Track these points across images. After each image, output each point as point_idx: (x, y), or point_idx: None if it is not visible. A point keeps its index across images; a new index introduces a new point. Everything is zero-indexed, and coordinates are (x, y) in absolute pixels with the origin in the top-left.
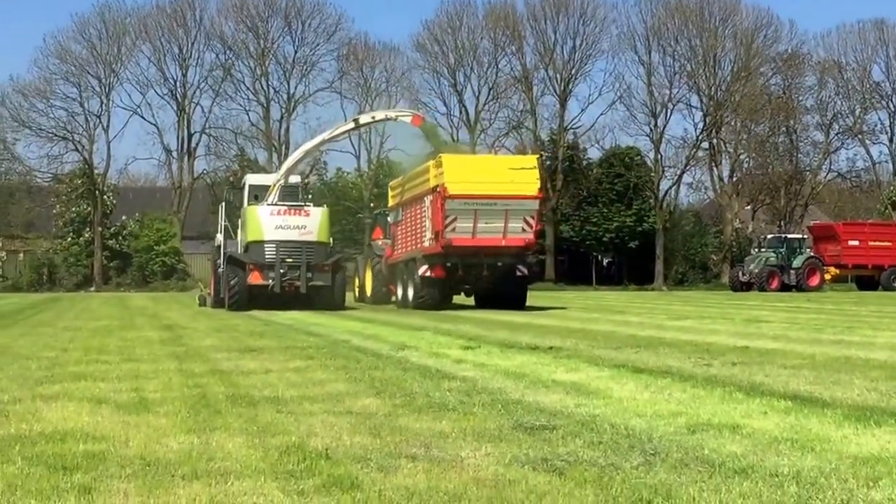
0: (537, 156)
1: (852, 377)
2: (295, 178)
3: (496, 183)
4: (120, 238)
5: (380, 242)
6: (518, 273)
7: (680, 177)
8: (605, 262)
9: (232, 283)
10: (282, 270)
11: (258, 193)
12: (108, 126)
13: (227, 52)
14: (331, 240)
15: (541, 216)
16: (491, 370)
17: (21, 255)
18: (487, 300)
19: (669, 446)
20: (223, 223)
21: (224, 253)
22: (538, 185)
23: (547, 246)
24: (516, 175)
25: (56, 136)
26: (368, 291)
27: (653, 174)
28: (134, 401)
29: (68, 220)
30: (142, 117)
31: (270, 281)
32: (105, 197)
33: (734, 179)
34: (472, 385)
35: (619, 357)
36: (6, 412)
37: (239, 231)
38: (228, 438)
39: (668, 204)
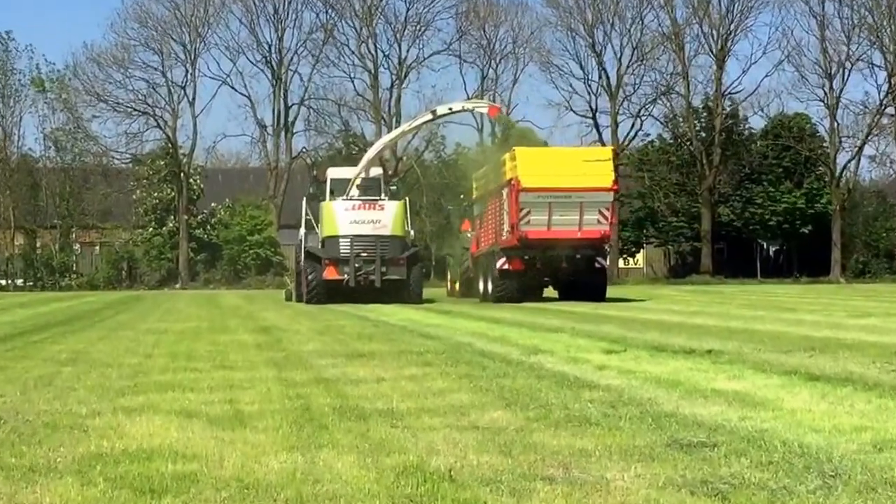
0: (612, 147)
1: None
2: (376, 171)
3: (570, 175)
4: (208, 227)
5: (468, 234)
6: (597, 265)
7: (861, 148)
8: (772, 250)
9: (310, 278)
10: (357, 265)
11: (339, 187)
12: (193, 99)
13: (329, 11)
14: (410, 232)
15: (616, 208)
16: (639, 378)
17: (97, 247)
18: (569, 292)
19: (852, 467)
20: (305, 217)
21: (304, 248)
22: (612, 176)
23: (703, 232)
24: (590, 167)
25: (135, 110)
26: (456, 285)
27: (827, 146)
28: (228, 414)
29: (150, 207)
30: (232, 88)
31: (346, 276)
32: (191, 180)
33: None
34: (618, 395)
35: (791, 362)
36: (85, 427)
37: (318, 226)
38: (337, 457)
39: (847, 181)
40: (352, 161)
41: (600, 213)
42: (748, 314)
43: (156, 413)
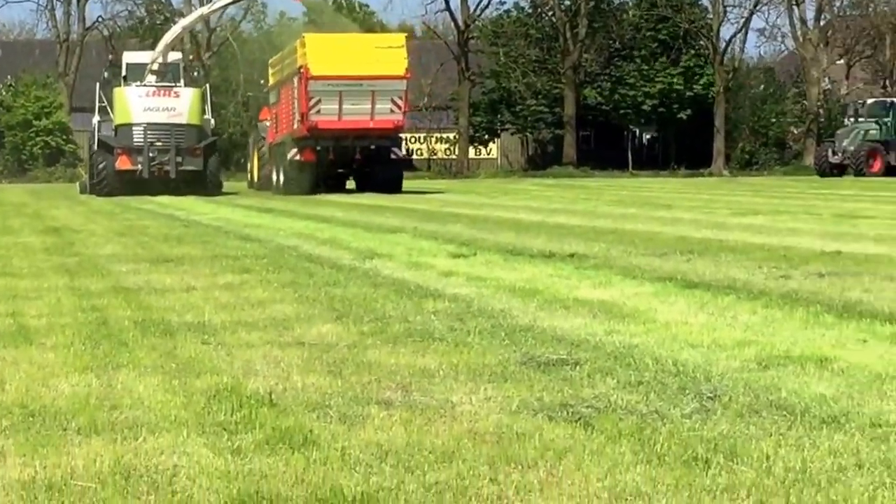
0: (405, 34)
1: None
2: (175, 55)
3: (361, 63)
4: None
5: (266, 124)
6: (392, 156)
7: (748, 20)
8: (646, 138)
9: (100, 167)
10: (151, 154)
11: (135, 72)
12: None
13: None
14: (210, 121)
15: (409, 96)
16: (491, 286)
17: None
18: (365, 184)
19: (734, 387)
20: (99, 103)
21: (97, 136)
22: (405, 64)
23: (566, 117)
24: (382, 54)
25: None
26: (256, 176)
27: (710, 17)
28: (10, 329)
29: None
30: None
31: (139, 166)
32: None
33: (822, 23)
34: (466, 306)
35: (665, 267)
36: None
37: (109, 114)
38: (138, 379)
39: (732, 58)
40: (156, 32)
41: (393, 101)
42: (617, 212)
43: None
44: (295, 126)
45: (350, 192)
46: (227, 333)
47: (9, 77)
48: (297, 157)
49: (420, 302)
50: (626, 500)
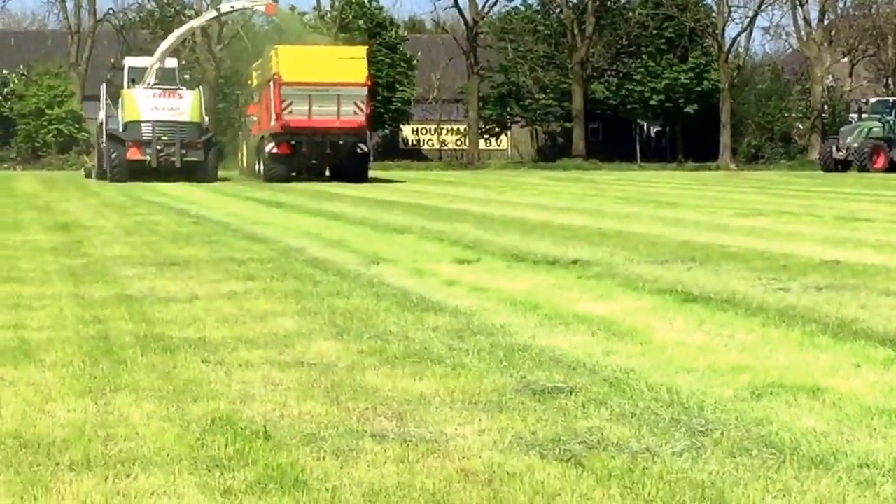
0: (366, 47)
1: None
2: (171, 62)
3: (327, 72)
4: (6, 98)
5: (253, 118)
6: (359, 150)
7: (753, 19)
8: (653, 131)
9: (113, 157)
10: (158, 147)
11: (137, 75)
12: None
13: None
14: (205, 119)
15: (371, 101)
16: (493, 298)
17: None
18: (336, 174)
19: (727, 420)
20: (105, 101)
21: (106, 130)
22: (366, 73)
23: (575, 111)
24: (346, 64)
25: None
26: (245, 165)
27: (716, 16)
28: (11, 345)
29: None
30: None
31: (148, 156)
32: None
33: (826, 23)
34: (467, 321)
35: (667, 277)
36: None
37: (119, 111)
38: (135, 405)
39: (738, 56)
40: (166, 25)
41: (356, 104)
42: (623, 211)
43: None
44: (272, 123)
45: (351, 186)
46: (227, 351)
47: (21, 67)
48: (275, 150)
49: (421, 316)
50: None
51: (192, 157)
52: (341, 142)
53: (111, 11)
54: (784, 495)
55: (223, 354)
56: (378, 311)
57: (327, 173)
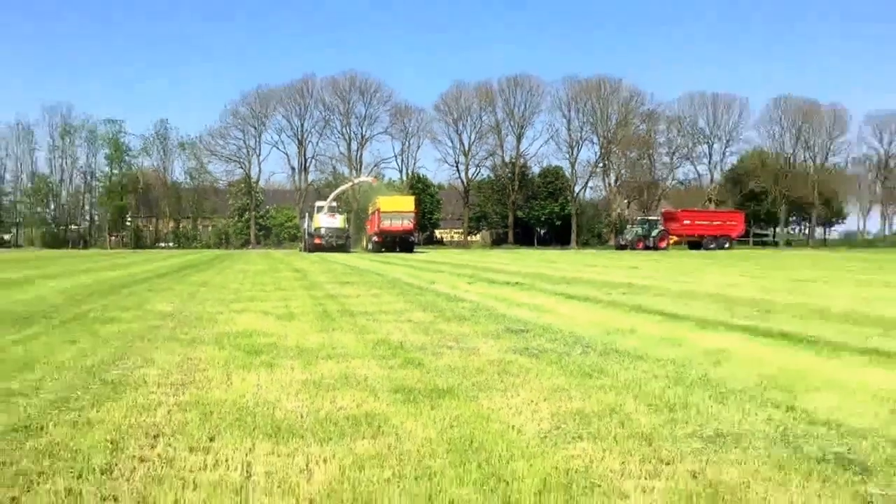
0: (415, 197)
1: (695, 300)
2: (333, 203)
3: (398, 207)
4: (266, 218)
5: (367, 227)
6: (411, 239)
7: (586, 183)
8: (542, 232)
9: (309, 242)
10: (328, 237)
11: (319, 208)
12: (259, 153)
13: (326, 111)
14: (347, 226)
15: (417, 218)
16: (485, 296)
17: (210, 227)
18: (400, 250)
19: (596, 343)
20: (306, 219)
21: (307, 231)
22: (413, 206)
23: (510, 223)
24: (406, 202)
25: (231, 159)
26: (363, 246)
27: (570, 182)
28: (286, 313)
29: (236, 208)
30: (278, 149)
31: (323, 242)
32: (256, 195)
33: (618, 184)
34: (476, 305)
35: (558, 288)
36: (216, 319)
37: (311, 223)
38: (343, 335)
39: (579, 199)
40: (336, 185)
41: (409, 220)
42: (533, 264)
43: (250, 312)
44: (376, 229)
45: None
46: (377, 316)
47: (275, 205)
48: (375, 239)
49: (456, 303)
50: (555, 391)
51: (340, 242)
52: (402, 236)
53: (313, 181)
54: (628, 368)
55: (376, 317)
56: (437, 301)
57: (397, 250)
